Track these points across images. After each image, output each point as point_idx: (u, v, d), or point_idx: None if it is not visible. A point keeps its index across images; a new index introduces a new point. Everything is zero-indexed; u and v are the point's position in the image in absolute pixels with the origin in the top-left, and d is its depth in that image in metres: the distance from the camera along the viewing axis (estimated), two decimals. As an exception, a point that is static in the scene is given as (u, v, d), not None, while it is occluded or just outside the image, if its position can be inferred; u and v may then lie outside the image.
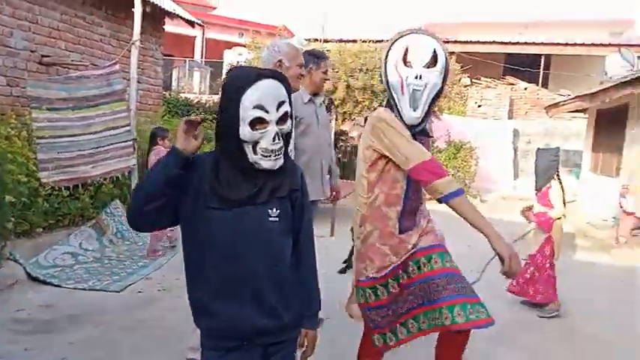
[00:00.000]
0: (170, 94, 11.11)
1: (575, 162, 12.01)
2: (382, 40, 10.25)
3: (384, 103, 2.03)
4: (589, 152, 10.34)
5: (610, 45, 15.04)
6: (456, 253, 2.08)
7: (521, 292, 4.07)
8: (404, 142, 1.87)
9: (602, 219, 8.31)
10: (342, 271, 4.78)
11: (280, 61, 2.69)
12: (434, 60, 1.89)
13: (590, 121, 10.39)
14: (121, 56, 6.27)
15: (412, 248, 1.97)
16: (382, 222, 1.99)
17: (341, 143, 11.61)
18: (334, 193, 3.63)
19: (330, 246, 5.20)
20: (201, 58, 17.88)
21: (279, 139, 1.45)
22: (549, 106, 11.29)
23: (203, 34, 17.58)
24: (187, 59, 16.58)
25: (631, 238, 6.36)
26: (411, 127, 1.92)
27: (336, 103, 8.93)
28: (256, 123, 1.42)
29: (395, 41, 1.96)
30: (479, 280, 2.01)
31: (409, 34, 1.96)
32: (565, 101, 10.24)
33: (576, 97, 9.50)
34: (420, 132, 1.97)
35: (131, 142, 5.94)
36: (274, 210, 1.49)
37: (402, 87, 1.90)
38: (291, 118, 1.53)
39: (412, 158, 1.86)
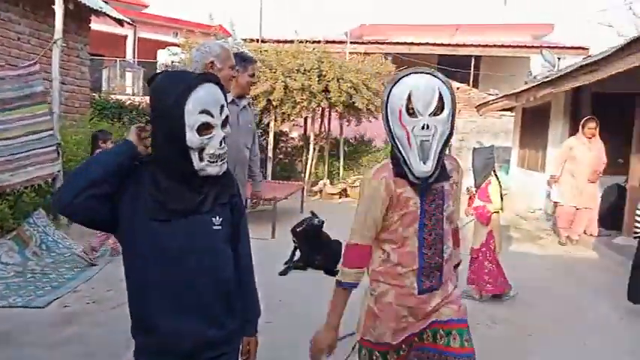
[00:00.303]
0: (100, 96, 10.56)
1: (504, 158, 12.64)
2: (319, 41, 10.31)
3: (389, 151, 1.85)
4: (516, 148, 10.90)
5: (533, 47, 15.99)
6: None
7: (496, 288, 4.20)
8: (360, 214, 1.81)
9: (530, 211, 8.79)
10: (284, 273, 4.72)
11: (212, 62, 2.62)
12: (441, 105, 1.72)
13: (517, 119, 10.96)
14: (41, 55, 5.88)
15: (432, 311, 1.83)
16: (399, 281, 1.83)
17: (281, 144, 11.57)
18: (254, 199, 3.72)
19: (271, 248, 5.13)
20: (134, 58, 17.20)
21: (224, 143, 1.43)
22: (479, 105, 11.80)
23: (135, 33, 16.94)
24: (118, 59, 15.88)
25: (586, 237, 6.41)
26: (422, 180, 1.76)
27: (274, 103, 8.84)
28: (203, 128, 1.38)
29: (394, 84, 1.76)
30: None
31: (409, 74, 1.75)
32: (494, 100, 10.74)
33: (503, 96, 9.98)
34: (437, 179, 1.78)
35: (55, 148, 5.60)
36: (217, 218, 1.47)
37: (408, 139, 1.72)
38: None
39: (351, 234, 1.84)
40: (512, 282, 4.30)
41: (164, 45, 15.66)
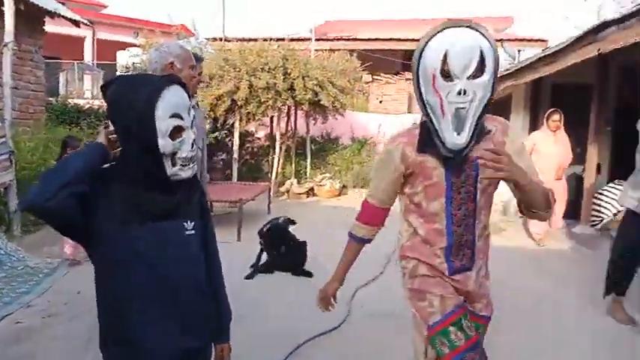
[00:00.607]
0: (57, 100, 10.20)
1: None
2: (283, 39, 10.21)
3: (419, 119, 1.63)
4: (482, 141, 11.07)
5: (495, 40, 16.26)
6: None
7: None
8: (373, 178, 1.77)
9: (493, 204, 8.94)
10: (249, 277, 4.64)
11: (172, 63, 2.52)
12: (481, 66, 1.47)
13: (481, 112, 11.12)
14: (-11, 59, 5.62)
15: (469, 294, 1.73)
16: (427, 259, 1.68)
17: (247, 144, 11.42)
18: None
19: (237, 251, 5.03)
20: (93, 60, 16.70)
21: (195, 145, 1.40)
22: (444, 99, 11.95)
23: (93, 34, 16.45)
24: (76, 62, 15.38)
25: (546, 235, 6.13)
26: (455, 153, 1.54)
27: (239, 103, 8.71)
28: (174, 132, 1.34)
29: (428, 41, 1.50)
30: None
31: (445, 29, 1.49)
32: (458, 94, 10.88)
33: (467, 89, 10.12)
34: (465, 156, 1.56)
35: (7, 156, 5.35)
36: (189, 222, 1.44)
37: (441, 107, 1.49)
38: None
39: (368, 191, 1.81)
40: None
41: (124, 46, 15.24)
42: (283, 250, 4.74)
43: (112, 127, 1.39)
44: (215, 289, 1.56)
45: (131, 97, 1.32)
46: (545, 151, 5.87)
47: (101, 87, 1.42)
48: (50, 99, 9.57)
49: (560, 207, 6.00)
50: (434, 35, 1.50)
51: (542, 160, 5.63)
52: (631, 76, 7.02)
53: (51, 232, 3.10)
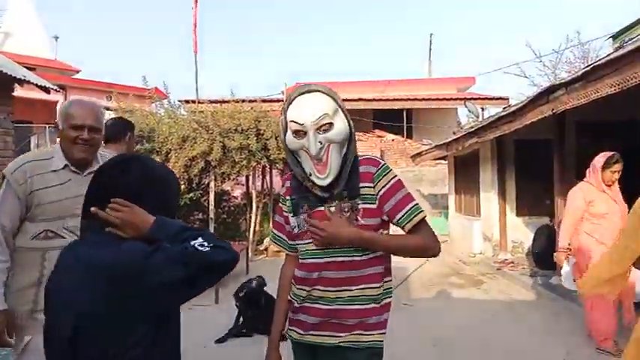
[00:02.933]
0: (27, 165, 10.02)
1: (443, 204, 13.08)
2: (255, 100, 10.47)
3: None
4: (453, 195, 11.34)
5: (459, 99, 17.08)
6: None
7: None
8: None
9: (470, 255, 9.05)
10: (221, 340, 4.47)
11: (55, 124, 2.29)
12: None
13: (450, 168, 11.48)
14: (-42, 127, 5.55)
15: None
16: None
17: (223, 204, 11.38)
18: None
19: (214, 314, 4.90)
20: (65, 123, 16.66)
21: None
22: (414, 155, 12.29)
23: (65, 98, 16.49)
24: (47, 125, 15.32)
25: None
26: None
27: (213, 164, 8.76)
28: None
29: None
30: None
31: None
32: (426, 151, 11.23)
33: (435, 146, 10.47)
34: None
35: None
36: None
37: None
38: None
39: None
40: (458, 329, 4.33)
41: (97, 109, 15.30)
42: (260, 313, 4.64)
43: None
44: None
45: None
46: (606, 210, 4.03)
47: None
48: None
49: (629, 299, 3.98)
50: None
51: (604, 224, 3.98)
52: (588, 130, 7.45)
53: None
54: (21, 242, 2.07)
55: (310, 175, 1.67)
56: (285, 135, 1.72)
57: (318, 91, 1.68)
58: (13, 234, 2.07)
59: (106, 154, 2.27)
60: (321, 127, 1.63)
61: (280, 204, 1.85)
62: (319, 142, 1.62)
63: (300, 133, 1.65)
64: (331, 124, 1.64)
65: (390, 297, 1.74)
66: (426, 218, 1.70)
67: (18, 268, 2.05)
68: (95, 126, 2.15)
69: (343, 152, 1.68)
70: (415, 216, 1.65)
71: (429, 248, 1.68)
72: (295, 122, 1.65)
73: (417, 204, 1.69)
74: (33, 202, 2.06)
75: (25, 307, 2.02)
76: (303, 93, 1.68)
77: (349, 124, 1.70)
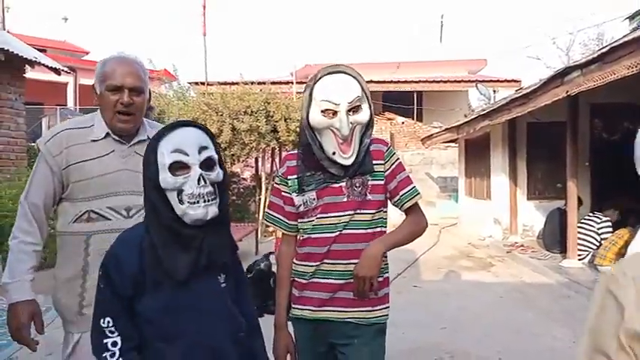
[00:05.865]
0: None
1: (453, 187, 13.04)
2: (264, 82, 10.42)
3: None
4: (463, 178, 11.28)
5: (470, 81, 16.87)
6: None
7: None
8: None
9: (480, 239, 9.03)
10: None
11: (93, 87, 1.94)
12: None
13: (461, 150, 11.39)
14: (-30, 108, 5.60)
15: None
16: None
17: (233, 186, 11.44)
18: None
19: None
20: (75, 105, 16.73)
21: (207, 182, 1.33)
22: (424, 138, 12.21)
23: (76, 79, 16.55)
24: (59, 107, 15.40)
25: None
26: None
27: (222, 146, 8.77)
28: (176, 168, 1.31)
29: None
30: None
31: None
32: (437, 134, 11.14)
33: (445, 129, 10.38)
34: None
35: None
36: (221, 275, 1.41)
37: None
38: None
39: None
40: (468, 311, 4.34)
41: (107, 91, 15.32)
42: (269, 293, 4.68)
43: None
44: (253, 340, 1.52)
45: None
46: None
47: None
48: (32, 144, 9.49)
49: None
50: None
51: None
52: (601, 112, 7.34)
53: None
54: (61, 227, 1.79)
55: (334, 153, 1.67)
56: (307, 112, 1.69)
57: (348, 73, 1.68)
58: (49, 215, 1.81)
59: (154, 122, 2.02)
60: (352, 108, 1.64)
61: (278, 184, 1.82)
62: (351, 122, 1.64)
63: (329, 113, 1.64)
64: (360, 106, 1.67)
65: (388, 273, 1.80)
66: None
67: (62, 256, 1.80)
68: (138, 86, 1.78)
69: (362, 133, 1.71)
70: (414, 196, 1.77)
71: (425, 226, 1.82)
72: (329, 101, 1.63)
73: (415, 186, 1.80)
74: (70, 177, 1.75)
75: (73, 300, 1.75)
76: (332, 73, 1.68)
77: (371, 108, 1.73)
